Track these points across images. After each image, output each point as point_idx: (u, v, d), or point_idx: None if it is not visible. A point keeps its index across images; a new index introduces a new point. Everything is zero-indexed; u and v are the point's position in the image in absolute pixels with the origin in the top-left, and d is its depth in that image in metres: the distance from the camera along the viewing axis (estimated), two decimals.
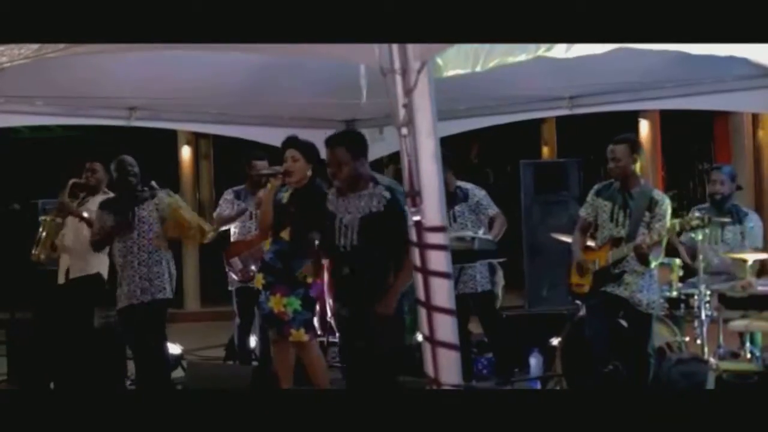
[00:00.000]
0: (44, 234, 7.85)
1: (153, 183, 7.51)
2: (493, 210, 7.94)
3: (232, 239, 8.36)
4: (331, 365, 7.96)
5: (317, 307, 6.94)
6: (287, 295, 6.61)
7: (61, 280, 7.86)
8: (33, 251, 7.89)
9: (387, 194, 5.77)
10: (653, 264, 6.52)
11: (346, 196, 5.87)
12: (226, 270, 8.27)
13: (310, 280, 6.61)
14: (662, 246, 6.53)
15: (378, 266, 5.76)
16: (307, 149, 6.68)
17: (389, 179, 6.17)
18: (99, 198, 7.80)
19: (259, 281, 6.80)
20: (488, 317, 8.03)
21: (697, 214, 6.67)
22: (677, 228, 6.56)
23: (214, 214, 8.54)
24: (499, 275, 8.06)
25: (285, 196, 6.70)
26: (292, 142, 6.76)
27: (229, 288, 8.34)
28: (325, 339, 7.94)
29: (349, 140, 5.95)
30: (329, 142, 5.92)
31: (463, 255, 7.29)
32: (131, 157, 7.47)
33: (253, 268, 8.07)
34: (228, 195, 8.39)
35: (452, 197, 7.84)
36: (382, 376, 5.80)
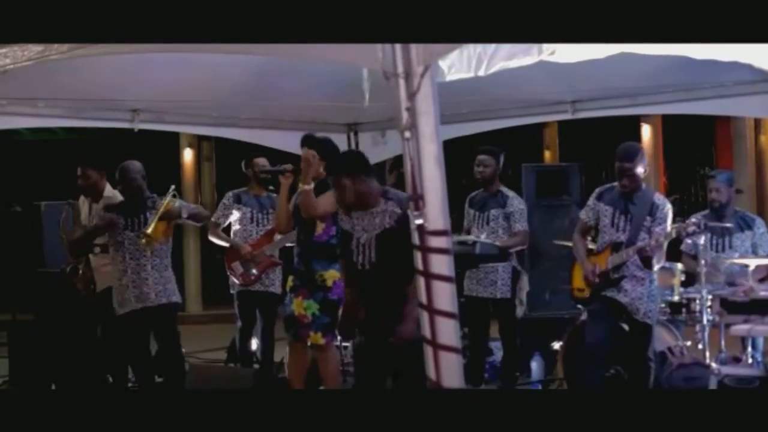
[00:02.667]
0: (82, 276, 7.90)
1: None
2: (520, 226, 7.70)
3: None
4: (345, 370, 8.00)
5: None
6: (307, 298, 6.62)
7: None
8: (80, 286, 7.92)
9: (398, 210, 5.65)
10: (656, 267, 6.53)
11: (358, 215, 5.77)
12: (228, 273, 8.26)
13: (329, 283, 6.61)
14: (663, 250, 6.54)
15: (396, 283, 5.67)
16: (321, 147, 6.63)
17: (403, 194, 6.06)
18: (101, 204, 7.83)
19: (288, 283, 6.83)
20: (505, 323, 7.90)
21: (693, 219, 6.66)
22: (673, 234, 6.57)
23: (213, 217, 8.52)
24: (524, 281, 7.91)
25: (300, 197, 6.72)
26: (306, 140, 6.71)
27: (231, 291, 8.32)
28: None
29: (346, 164, 5.79)
30: (329, 170, 5.87)
31: (464, 259, 7.25)
32: (138, 163, 7.44)
33: (254, 271, 8.07)
34: (227, 199, 8.33)
35: (490, 199, 7.81)
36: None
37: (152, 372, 7.52)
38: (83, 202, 8.03)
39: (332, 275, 6.63)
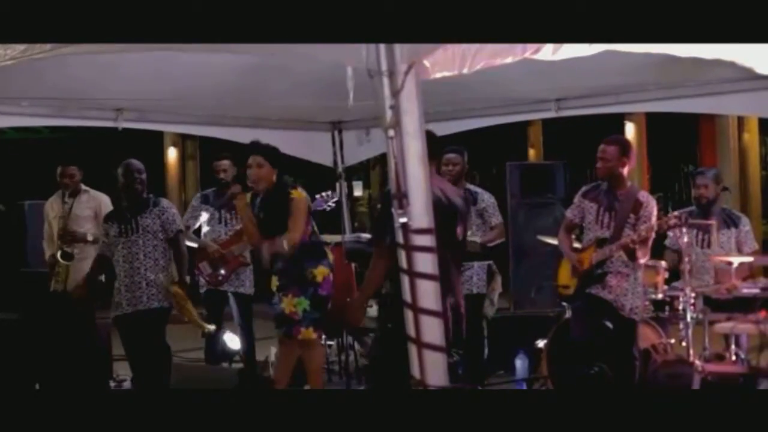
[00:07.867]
0: (61, 271, 7.89)
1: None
2: (496, 219, 7.87)
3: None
4: (330, 369, 8.05)
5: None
6: (298, 296, 6.68)
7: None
8: (54, 285, 7.90)
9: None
10: (641, 261, 6.54)
11: None
12: (196, 273, 8.24)
13: (320, 279, 6.68)
14: (648, 246, 6.55)
15: None
16: (271, 154, 6.78)
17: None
18: (83, 197, 7.91)
19: (273, 284, 6.85)
20: (475, 319, 7.94)
21: (675, 213, 6.70)
22: (655, 228, 6.59)
23: (182, 220, 8.47)
24: (498, 282, 7.99)
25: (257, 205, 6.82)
26: (255, 147, 6.81)
27: (200, 291, 8.31)
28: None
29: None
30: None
31: None
32: (138, 162, 7.46)
33: (222, 272, 8.06)
34: (195, 201, 8.43)
35: None
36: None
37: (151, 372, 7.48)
38: (53, 202, 8.08)
39: (322, 271, 6.74)
